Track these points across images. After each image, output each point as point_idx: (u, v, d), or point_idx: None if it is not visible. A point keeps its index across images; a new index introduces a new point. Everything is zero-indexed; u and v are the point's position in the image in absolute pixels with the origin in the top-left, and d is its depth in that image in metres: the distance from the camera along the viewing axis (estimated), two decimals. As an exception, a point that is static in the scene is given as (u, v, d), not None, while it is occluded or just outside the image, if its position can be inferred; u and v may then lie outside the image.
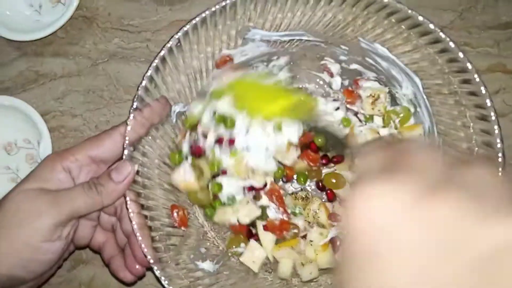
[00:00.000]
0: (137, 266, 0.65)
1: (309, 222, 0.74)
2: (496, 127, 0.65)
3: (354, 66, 0.79)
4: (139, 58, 0.88)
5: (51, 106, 0.88)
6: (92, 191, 0.61)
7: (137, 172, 0.66)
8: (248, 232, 0.75)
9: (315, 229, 0.73)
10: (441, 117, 0.72)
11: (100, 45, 0.89)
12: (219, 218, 0.73)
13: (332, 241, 0.72)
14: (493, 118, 0.64)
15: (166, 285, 0.62)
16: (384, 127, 0.75)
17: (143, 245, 0.62)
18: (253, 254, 0.73)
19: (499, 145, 0.64)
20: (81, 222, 0.67)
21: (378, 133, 0.75)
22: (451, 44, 0.65)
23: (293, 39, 0.77)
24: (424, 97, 0.73)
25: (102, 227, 0.70)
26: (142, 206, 0.66)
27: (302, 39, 0.77)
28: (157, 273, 0.62)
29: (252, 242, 0.74)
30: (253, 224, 0.74)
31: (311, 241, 0.72)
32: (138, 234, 0.62)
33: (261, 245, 0.73)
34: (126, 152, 0.64)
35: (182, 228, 0.71)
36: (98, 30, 0.89)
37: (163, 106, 0.69)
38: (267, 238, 0.73)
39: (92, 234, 0.70)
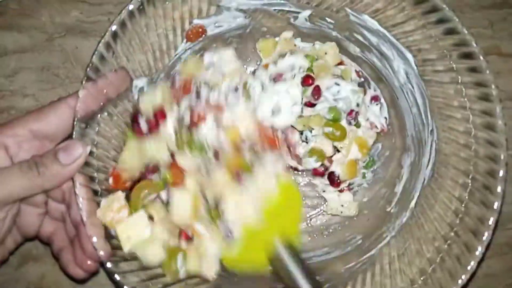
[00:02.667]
0: (89, 261, 0.56)
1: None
2: (498, 107, 0.58)
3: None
4: (100, 33, 0.79)
5: (0, 84, 0.78)
6: (32, 172, 0.51)
7: (91, 154, 0.57)
8: None
9: None
10: (436, 98, 0.65)
11: (56, 18, 0.80)
12: None
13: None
14: (495, 95, 0.58)
15: (118, 283, 0.53)
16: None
17: (93, 237, 0.53)
18: None
19: (501, 127, 0.57)
20: (24, 208, 0.58)
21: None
22: (449, 13, 0.59)
23: (274, 9, 0.69)
24: (417, 75, 0.65)
25: (50, 215, 0.61)
26: (96, 193, 0.57)
27: (283, 10, 0.69)
28: (109, 268, 0.53)
29: None
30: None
31: None
32: (87, 223, 0.53)
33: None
34: (76, 129, 0.56)
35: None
36: (55, 1, 0.80)
37: (121, 78, 0.60)
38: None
39: (39, 223, 0.60)
